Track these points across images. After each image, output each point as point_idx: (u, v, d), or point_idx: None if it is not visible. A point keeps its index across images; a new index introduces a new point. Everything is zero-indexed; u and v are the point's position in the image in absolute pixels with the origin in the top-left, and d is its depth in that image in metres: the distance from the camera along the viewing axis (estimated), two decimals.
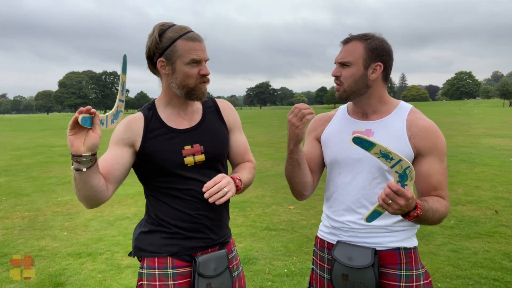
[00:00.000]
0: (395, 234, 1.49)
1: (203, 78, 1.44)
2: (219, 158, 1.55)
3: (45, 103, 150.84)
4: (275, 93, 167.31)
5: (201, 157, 1.48)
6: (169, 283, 1.45)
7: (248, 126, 26.98)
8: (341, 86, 1.48)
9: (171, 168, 1.45)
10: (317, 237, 1.70)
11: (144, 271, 1.47)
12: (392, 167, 1.25)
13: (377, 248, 1.48)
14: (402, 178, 1.26)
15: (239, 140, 1.65)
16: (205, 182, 1.43)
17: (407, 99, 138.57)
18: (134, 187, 7.41)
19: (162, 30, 1.41)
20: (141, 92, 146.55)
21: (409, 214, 1.29)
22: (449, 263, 3.69)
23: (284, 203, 5.99)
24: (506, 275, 3.42)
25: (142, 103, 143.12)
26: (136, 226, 1.60)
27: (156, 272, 1.46)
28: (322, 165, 1.67)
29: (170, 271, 1.46)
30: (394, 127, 1.47)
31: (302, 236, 4.50)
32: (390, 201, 1.23)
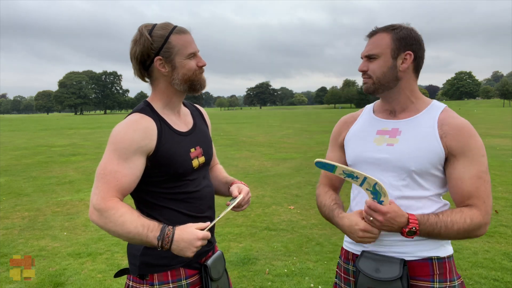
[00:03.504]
0: (426, 242, 1.36)
1: (201, 70, 1.44)
2: (211, 159, 1.60)
3: (45, 103, 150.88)
4: (275, 93, 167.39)
5: (202, 159, 1.50)
6: None
7: (248, 126, 26.97)
8: (370, 79, 1.40)
9: (183, 172, 1.42)
10: (342, 248, 1.58)
11: (157, 287, 1.39)
12: (361, 185, 1.23)
13: (406, 258, 1.36)
14: (375, 195, 1.24)
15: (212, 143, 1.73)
16: (205, 183, 1.52)
17: None
18: None
19: (150, 30, 1.37)
20: (141, 92, 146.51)
21: (402, 230, 1.26)
22: None
23: (284, 203, 5.99)
24: (506, 275, 3.42)
25: None
26: (129, 243, 1.46)
27: (171, 286, 1.40)
28: None
29: (184, 282, 1.42)
30: (424, 125, 1.37)
31: (302, 236, 4.50)
32: (371, 218, 1.22)
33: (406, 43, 1.36)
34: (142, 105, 1.44)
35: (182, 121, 1.50)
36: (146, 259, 1.40)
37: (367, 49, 1.40)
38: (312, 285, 3.33)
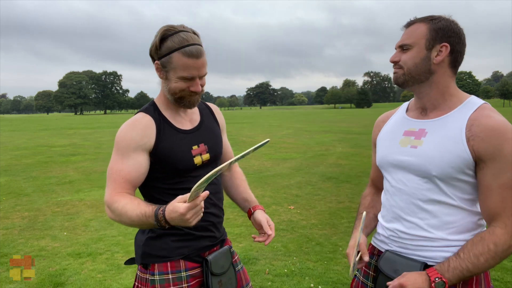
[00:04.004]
0: (452, 249, 1.26)
1: (192, 93, 1.43)
2: (219, 156, 1.63)
3: (45, 103, 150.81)
4: (275, 93, 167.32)
5: (206, 156, 1.53)
6: (183, 285, 1.46)
7: (248, 126, 26.97)
8: (401, 69, 1.31)
9: (183, 169, 1.46)
10: (369, 244, 1.54)
11: (157, 277, 1.44)
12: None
13: (428, 263, 1.28)
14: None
15: (226, 141, 1.74)
16: (211, 182, 1.50)
17: (407, 99, 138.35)
18: None
19: (166, 36, 1.39)
20: (141, 92, 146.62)
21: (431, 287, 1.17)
22: None
23: (284, 203, 5.99)
24: (506, 275, 3.42)
25: (142, 103, 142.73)
26: (137, 232, 1.56)
27: (170, 277, 1.45)
28: None
29: (183, 274, 1.46)
30: (452, 126, 1.25)
31: (302, 236, 4.50)
32: None
33: (444, 34, 1.26)
34: (147, 105, 1.52)
35: (187, 119, 1.55)
36: (147, 250, 1.47)
37: (401, 39, 1.33)
38: (312, 285, 3.33)
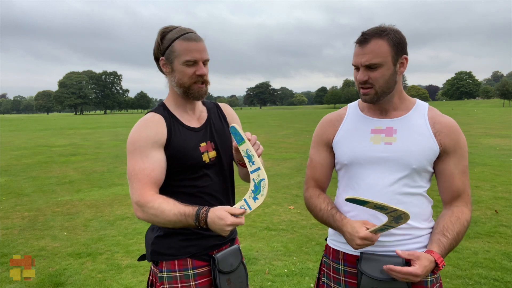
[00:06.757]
0: (421, 240, 1.40)
1: (199, 78, 1.46)
2: (228, 154, 1.61)
3: (45, 103, 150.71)
4: (275, 93, 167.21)
5: (213, 153, 1.55)
6: (191, 283, 1.48)
7: (248, 126, 26.97)
8: (372, 89, 1.36)
9: (192, 165, 1.48)
10: (328, 246, 1.57)
11: (165, 274, 1.48)
12: (387, 213, 1.23)
13: None
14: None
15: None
16: (218, 180, 1.56)
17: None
18: None
19: (165, 32, 1.47)
20: (141, 92, 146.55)
21: (434, 272, 1.31)
22: (449, 263, 3.69)
23: (284, 203, 5.99)
24: (506, 275, 3.42)
25: (142, 103, 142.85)
26: (147, 230, 1.60)
27: (177, 274, 1.48)
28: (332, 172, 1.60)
29: (190, 272, 1.49)
30: (417, 124, 1.40)
31: (302, 236, 4.50)
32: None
33: (402, 47, 1.36)
34: (156, 105, 1.57)
35: (195, 117, 1.58)
36: (156, 248, 1.51)
37: (365, 58, 1.33)
38: (312, 285, 3.33)
